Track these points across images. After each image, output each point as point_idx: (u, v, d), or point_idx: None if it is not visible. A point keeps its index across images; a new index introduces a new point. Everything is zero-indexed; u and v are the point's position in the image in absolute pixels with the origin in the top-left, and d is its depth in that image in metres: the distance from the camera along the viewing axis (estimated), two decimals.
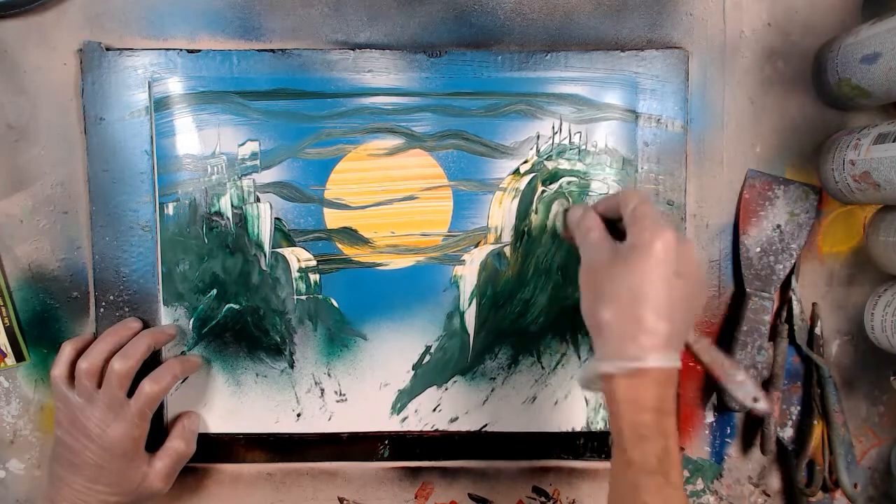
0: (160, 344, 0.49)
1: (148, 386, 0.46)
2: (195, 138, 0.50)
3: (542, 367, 0.52)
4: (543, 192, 0.51)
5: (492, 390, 0.52)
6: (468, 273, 0.51)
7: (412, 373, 0.52)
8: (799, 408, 0.54)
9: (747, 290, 0.52)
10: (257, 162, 0.50)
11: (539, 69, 0.50)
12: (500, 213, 0.51)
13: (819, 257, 0.54)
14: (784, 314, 0.53)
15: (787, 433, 0.53)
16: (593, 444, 0.53)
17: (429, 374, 0.52)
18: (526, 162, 0.51)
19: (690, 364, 0.53)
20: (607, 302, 0.39)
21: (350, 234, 0.51)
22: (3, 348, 0.51)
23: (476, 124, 0.50)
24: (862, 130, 0.48)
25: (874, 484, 0.55)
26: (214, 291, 0.51)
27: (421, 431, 0.53)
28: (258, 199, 0.50)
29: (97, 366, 0.46)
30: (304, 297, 0.51)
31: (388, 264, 0.51)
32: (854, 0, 0.52)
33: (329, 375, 0.52)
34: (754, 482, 0.55)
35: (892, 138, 0.44)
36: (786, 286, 0.53)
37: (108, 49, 0.49)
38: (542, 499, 0.54)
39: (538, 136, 0.51)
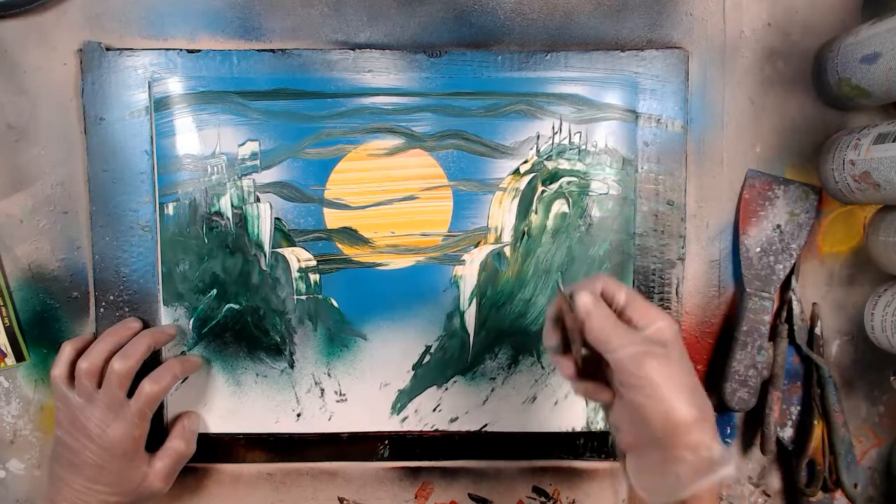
0: (160, 344, 0.49)
1: (148, 386, 0.46)
2: (195, 138, 0.50)
3: (542, 367, 0.52)
4: (543, 192, 0.51)
5: (492, 390, 0.52)
6: (468, 273, 0.51)
7: (412, 373, 0.52)
8: (799, 408, 0.54)
9: (747, 290, 0.52)
10: (257, 162, 0.50)
11: (539, 69, 0.50)
12: (500, 213, 0.51)
13: (819, 257, 0.54)
14: (784, 314, 0.53)
15: (787, 433, 0.53)
16: (593, 444, 0.53)
17: (429, 374, 0.52)
18: (526, 162, 0.51)
19: None
20: (683, 396, 0.35)
21: (350, 234, 0.51)
22: (3, 348, 0.51)
23: (476, 124, 0.50)
24: (862, 130, 0.48)
25: (874, 484, 0.55)
26: (214, 291, 0.51)
27: (421, 431, 0.53)
28: (258, 199, 0.50)
29: (97, 366, 0.46)
30: (304, 297, 0.51)
31: (388, 264, 0.51)
32: (854, 0, 0.52)
33: (329, 375, 0.52)
34: (754, 482, 0.55)
35: (892, 138, 0.44)
36: (786, 286, 0.53)
37: (108, 49, 0.49)
38: (542, 499, 0.54)
39: (538, 136, 0.51)
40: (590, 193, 0.51)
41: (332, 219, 0.51)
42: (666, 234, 0.52)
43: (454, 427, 0.53)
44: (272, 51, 0.50)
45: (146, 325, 0.50)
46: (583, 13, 0.51)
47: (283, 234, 0.51)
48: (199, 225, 0.50)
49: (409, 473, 0.54)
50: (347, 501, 0.54)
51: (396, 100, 0.50)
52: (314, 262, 0.51)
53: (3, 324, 0.50)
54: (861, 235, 0.53)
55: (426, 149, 0.51)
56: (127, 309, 0.51)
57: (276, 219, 0.51)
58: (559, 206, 0.51)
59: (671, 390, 0.35)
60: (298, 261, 0.51)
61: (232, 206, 0.50)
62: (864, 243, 0.52)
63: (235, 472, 0.53)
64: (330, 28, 0.51)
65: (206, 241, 0.50)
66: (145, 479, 0.47)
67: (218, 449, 0.52)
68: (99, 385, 0.46)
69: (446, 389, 0.52)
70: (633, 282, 0.52)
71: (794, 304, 0.53)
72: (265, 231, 0.51)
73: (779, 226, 0.52)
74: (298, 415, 0.52)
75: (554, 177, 0.51)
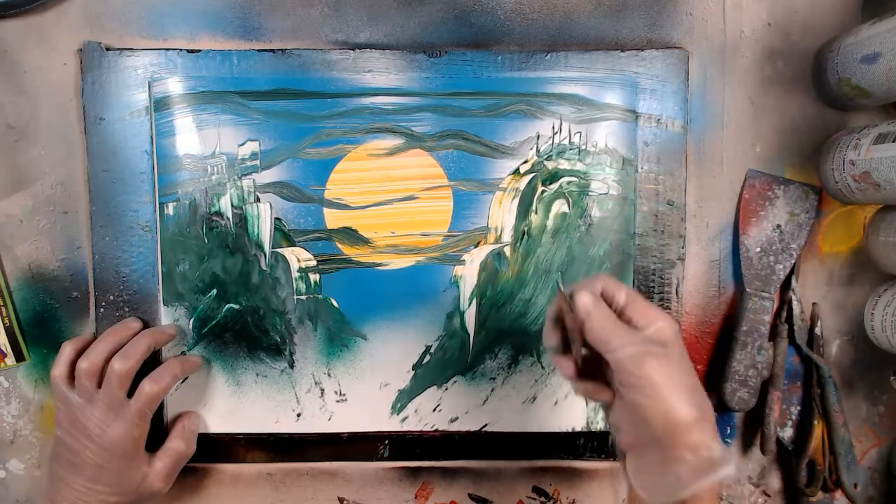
0: (160, 344, 0.49)
1: (148, 386, 0.46)
2: (195, 138, 0.50)
3: (542, 367, 0.52)
4: (543, 192, 0.51)
5: (492, 390, 0.52)
6: (468, 273, 0.51)
7: (412, 373, 0.52)
8: (799, 408, 0.54)
9: (747, 290, 0.52)
10: (257, 162, 0.50)
11: (539, 69, 0.50)
12: (500, 213, 0.51)
13: (819, 257, 0.54)
14: (784, 314, 0.53)
15: (787, 433, 0.53)
16: (593, 444, 0.53)
17: (429, 374, 0.52)
18: (526, 162, 0.51)
19: None
20: (683, 396, 0.35)
21: (350, 234, 0.51)
22: (3, 348, 0.51)
23: (476, 124, 0.50)
24: (862, 130, 0.48)
25: (874, 484, 0.55)
26: (214, 291, 0.51)
27: (421, 431, 0.53)
28: (258, 199, 0.50)
29: (97, 366, 0.46)
30: (304, 297, 0.51)
31: (388, 264, 0.51)
32: (854, 0, 0.52)
33: (329, 375, 0.52)
34: (754, 482, 0.55)
35: (892, 138, 0.44)
36: (786, 286, 0.53)
37: (108, 49, 0.49)
38: (542, 499, 0.54)
39: (538, 136, 0.51)
40: (590, 193, 0.51)
41: (332, 219, 0.51)
42: (666, 234, 0.52)
43: (454, 427, 0.53)
44: (272, 51, 0.50)
45: (146, 325, 0.50)
46: (583, 13, 0.51)
47: (283, 234, 0.51)
48: (199, 225, 0.50)
49: (409, 473, 0.54)
50: (347, 501, 0.54)
51: (396, 100, 0.50)
52: (314, 262, 0.51)
53: (3, 324, 0.50)
54: (861, 235, 0.53)
55: (426, 149, 0.51)
56: (127, 309, 0.51)
57: (276, 219, 0.51)
58: (559, 206, 0.51)
59: (671, 390, 0.35)
60: (298, 261, 0.51)
61: (232, 206, 0.50)
62: (864, 243, 0.52)
63: (235, 472, 0.53)
64: (330, 28, 0.51)
65: (206, 241, 0.50)
66: (145, 479, 0.47)
67: (218, 449, 0.52)
68: (99, 385, 0.46)
69: (446, 389, 0.52)
70: (633, 282, 0.52)
71: (794, 304, 0.53)
72: (265, 231, 0.51)
73: (779, 226, 0.52)
74: (298, 415, 0.52)
75: (554, 177, 0.51)
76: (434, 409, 0.52)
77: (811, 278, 0.54)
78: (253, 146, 0.50)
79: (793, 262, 0.52)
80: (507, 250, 0.52)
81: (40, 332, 0.51)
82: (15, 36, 0.49)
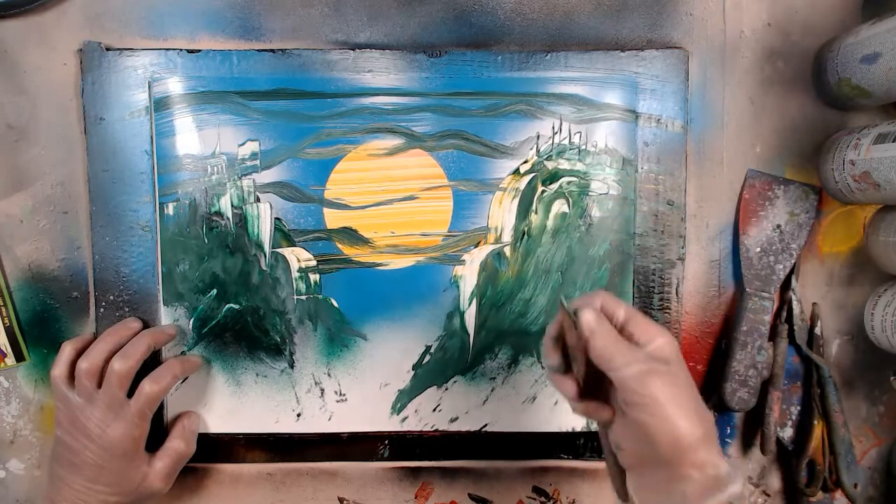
0: (160, 344, 0.49)
1: (148, 386, 0.46)
2: (195, 138, 0.50)
3: (542, 367, 0.52)
4: (543, 192, 0.51)
5: (492, 390, 0.52)
6: (468, 273, 0.51)
7: (412, 373, 0.52)
8: (799, 408, 0.54)
9: (747, 290, 0.52)
10: (257, 162, 0.50)
11: (539, 69, 0.50)
12: (500, 213, 0.51)
13: (819, 257, 0.54)
14: (784, 314, 0.53)
15: (787, 433, 0.53)
16: (593, 444, 0.53)
17: (429, 374, 0.52)
18: (526, 162, 0.51)
19: (690, 364, 0.53)
20: (688, 414, 0.35)
21: (350, 234, 0.51)
22: (3, 348, 0.51)
23: (476, 124, 0.50)
24: (862, 130, 0.48)
25: (874, 484, 0.55)
26: (214, 291, 0.51)
27: (421, 431, 0.53)
28: (258, 199, 0.50)
29: (97, 366, 0.46)
30: (304, 297, 0.51)
31: (388, 264, 0.51)
32: (854, 0, 0.52)
33: (329, 375, 0.52)
34: (754, 482, 0.55)
35: (892, 138, 0.44)
36: (786, 286, 0.53)
37: (108, 49, 0.49)
38: (542, 499, 0.54)
39: (538, 136, 0.51)
40: (590, 193, 0.51)
41: (332, 219, 0.51)
42: (666, 234, 0.52)
43: (454, 427, 0.53)
44: (272, 51, 0.50)
45: (146, 325, 0.50)
46: (583, 13, 0.51)
47: (283, 234, 0.51)
48: (199, 225, 0.50)
49: (409, 473, 0.54)
50: (347, 501, 0.54)
51: (396, 100, 0.50)
52: (314, 262, 0.51)
53: (3, 324, 0.50)
54: (861, 235, 0.53)
55: (426, 149, 0.51)
56: (127, 309, 0.51)
57: (276, 219, 0.51)
58: (559, 206, 0.51)
59: (676, 408, 0.35)
60: (298, 261, 0.51)
61: (232, 206, 0.50)
62: (864, 243, 0.52)
63: (235, 472, 0.53)
64: (330, 28, 0.51)
65: (206, 241, 0.50)
66: (145, 479, 0.47)
67: (218, 449, 0.52)
68: (99, 385, 0.46)
69: (446, 389, 0.52)
70: (633, 282, 0.52)
71: (794, 304, 0.53)
72: (265, 231, 0.51)
73: (779, 226, 0.52)
74: (298, 415, 0.52)
75: (554, 177, 0.51)
76: (434, 409, 0.52)
77: (811, 278, 0.54)
78: (253, 146, 0.50)
79: (793, 262, 0.52)
80: (507, 250, 0.52)
81: (40, 332, 0.51)
82: (15, 36, 0.49)
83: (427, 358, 0.52)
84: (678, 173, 0.51)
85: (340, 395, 0.52)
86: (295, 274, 0.51)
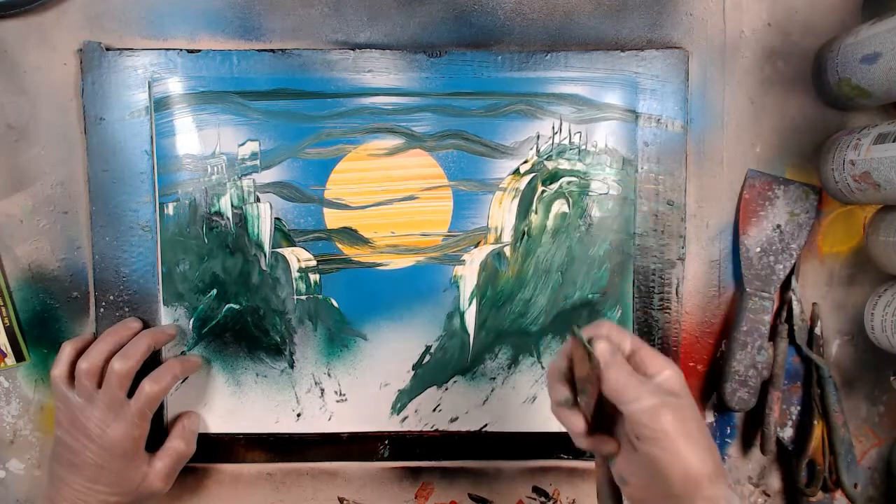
0: (160, 344, 0.49)
1: (148, 386, 0.46)
2: (195, 138, 0.50)
3: (542, 367, 0.52)
4: (543, 192, 0.51)
5: (492, 390, 0.52)
6: (468, 273, 0.51)
7: (412, 373, 0.52)
8: (799, 408, 0.54)
9: (747, 290, 0.52)
10: (257, 162, 0.50)
11: (539, 69, 0.50)
12: (500, 213, 0.51)
13: (819, 257, 0.54)
14: (784, 314, 0.53)
15: (787, 433, 0.53)
16: None
17: (429, 374, 0.52)
18: (526, 162, 0.51)
19: (691, 364, 0.53)
20: (699, 449, 0.35)
21: (350, 234, 0.51)
22: (3, 348, 0.51)
23: (476, 124, 0.50)
24: (862, 130, 0.48)
25: (874, 484, 0.55)
26: (214, 291, 0.51)
27: (421, 431, 0.53)
28: (258, 199, 0.50)
29: (97, 366, 0.46)
30: (304, 297, 0.51)
31: (388, 264, 0.51)
32: (854, 0, 0.52)
33: (329, 375, 0.52)
34: (754, 482, 0.55)
35: (892, 138, 0.44)
36: (786, 286, 0.53)
37: (108, 49, 0.49)
38: (542, 499, 0.54)
39: (538, 136, 0.51)
40: (590, 193, 0.51)
41: (332, 219, 0.51)
42: (666, 234, 0.52)
43: (454, 427, 0.53)
44: (272, 51, 0.50)
45: (146, 325, 0.50)
46: (583, 13, 0.51)
47: (283, 234, 0.51)
48: (199, 225, 0.50)
49: (409, 473, 0.54)
50: (347, 501, 0.54)
51: (396, 100, 0.50)
52: (314, 262, 0.51)
53: (3, 324, 0.50)
54: (861, 235, 0.53)
55: (426, 149, 0.51)
56: (127, 309, 0.51)
57: (276, 219, 0.51)
58: (559, 206, 0.51)
59: (687, 443, 0.35)
60: (298, 261, 0.51)
61: (232, 206, 0.50)
62: (864, 243, 0.52)
63: (235, 472, 0.53)
64: (330, 28, 0.51)
65: (206, 241, 0.50)
66: (145, 479, 0.47)
67: (218, 449, 0.52)
68: (99, 385, 0.46)
69: (446, 389, 0.52)
70: (633, 282, 0.52)
71: (794, 304, 0.53)
72: (265, 231, 0.51)
73: (779, 226, 0.52)
74: (298, 415, 0.52)
75: (554, 177, 0.51)
76: (434, 409, 0.52)
77: (811, 278, 0.54)
78: (253, 146, 0.50)
79: (793, 262, 0.52)
80: (507, 250, 0.52)
81: (40, 332, 0.51)
82: (15, 36, 0.49)
83: (427, 358, 0.52)
84: (678, 173, 0.51)
85: (340, 395, 0.52)
86: (295, 274, 0.51)
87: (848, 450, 0.52)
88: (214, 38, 0.51)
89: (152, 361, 0.48)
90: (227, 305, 0.51)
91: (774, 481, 0.55)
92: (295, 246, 0.51)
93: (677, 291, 0.52)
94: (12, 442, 0.52)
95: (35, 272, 0.51)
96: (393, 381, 0.52)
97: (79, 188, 0.51)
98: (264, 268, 0.51)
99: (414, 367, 0.52)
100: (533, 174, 0.51)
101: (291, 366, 0.52)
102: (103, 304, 0.51)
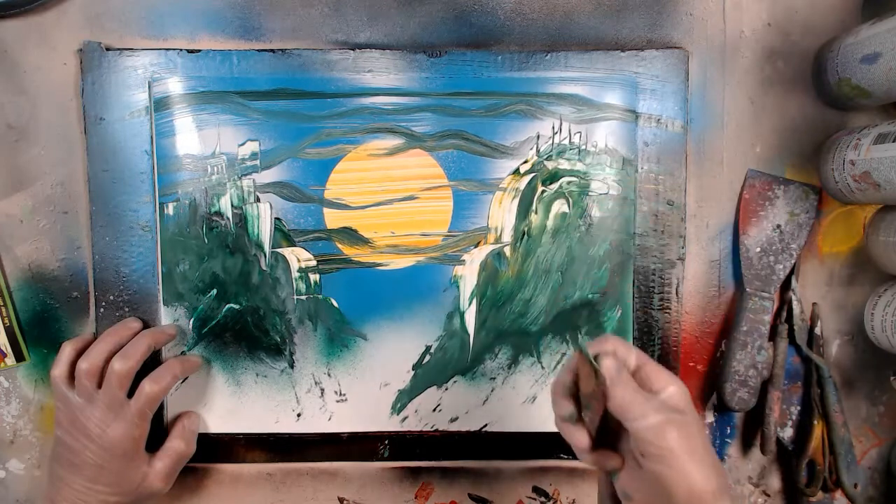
0: (160, 344, 0.49)
1: (148, 386, 0.46)
2: (195, 138, 0.50)
3: (542, 367, 0.52)
4: (543, 192, 0.51)
5: (492, 390, 0.52)
6: (468, 273, 0.51)
7: (412, 373, 0.52)
8: (799, 408, 0.54)
9: (747, 290, 0.52)
10: (257, 162, 0.50)
11: (539, 69, 0.50)
12: (500, 213, 0.51)
13: (819, 257, 0.54)
14: (784, 314, 0.53)
15: (787, 433, 0.53)
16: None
17: (429, 374, 0.52)
18: (526, 162, 0.51)
19: (690, 364, 0.53)
20: (704, 466, 0.35)
21: (350, 234, 0.51)
22: (3, 348, 0.51)
23: (476, 124, 0.50)
24: (862, 130, 0.48)
25: (874, 484, 0.55)
26: (214, 291, 0.51)
27: (421, 431, 0.53)
28: (258, 199, 0.50)
29: (97, 366, 0.46)
30: (304, 297, 0.51)
31: (388, 264, 0.51)
32: (854, 0, 0.52)
33: (329, 375, 0.52)
34: (754, 482, 0.55)
35: (892, 138, 0.44)
36: (786, 286, 0.53)
37: (108, 49, 0.49)
38: (542, 499, 0.54)
39: (538, 136, 0.51)
40: (590, 193, 0.51)
41: (332, 219, 0.51)
42: (666, 234, 0.52)
43: (454, 427, 0.53)
44: (272, 51, 0.50)
45: (146, 325, 0.50)
46: (583, 13, 0.51)
47: (283, 234, 0.51)
48: (199, 225, 0.50)
49: (409, 473, 0.54)
50: (347, 501, 0.54)
51: (396, 100, 0.50)
52: (314, 262, 0.51)
53: (3, 324, 0.50)
54: (861, 235, 0.53)
55: (426, 149, 0.51)
56: (127, 309, 0.51)
57: (276, 219, 0.51)
58: (559, 206, 0.51)
59: (692, 461, 0.35)
60: (298, 261, 0.51)
61: (232, 206, 0.50)
62: (864, 243, 0.52)
63: (235, 472, 0.53)
64: (330, 28, 0.51)
65: (206, 241, 0.50)
66: (145, 479, 0.47)
67: (218, 449, 0.52)
68: (99, 385, 0.46)
69: (446, 389, 0.52)
70: (633, 282, 0.52)
71: (794, 304, 0.53)
72: (265, 231, 0.51)
73: (779, 226, 0.52)
74: (298, 415, 0.52)
75: (554, 177, 0.51)
76: (434, 409, 0.52)
77: (811, 278, 0.54)
78: (253, 146, 0.50)
79: (793, 262, 0.52)
80: (507, 250, 0.52)
81: (40, 332, 0.51)
82: (15, 36, 0.49)
83: (427, 358, 0.52)
84: (678, 173, 0.51)
85: (340, 395, 0.52)
86: (295, 274, 0.51)
87: (848, 450, 0.52)
88: (214, 38, 0.51)
89: (152, 361, 0.48)
90: (227, 305, 0.51)
91: (774, 481, 0.55)
92: (295, 246, 0.51)
93: (677, 291, 0.52)
94: (12, 442, 0.52)
95: (35, 272, 0.51)
96: (393, 381, 0.52)
97: (79, 188, 0.51)
98: (264, 268, 0.51)
99: (414, 367, 0.52)
100: (533, 174, 0.51)
101: (291, 366, 0.52)
102: (103, 304, 0.51)
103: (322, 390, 0.52)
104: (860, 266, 0.53)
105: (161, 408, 0.50)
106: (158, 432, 0.50)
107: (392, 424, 0.52)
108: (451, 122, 0.50)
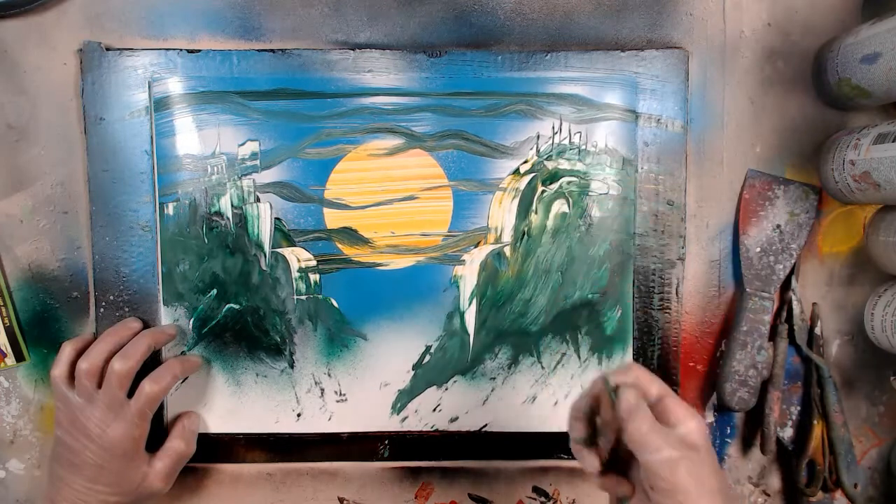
0: (160, 344, 0.49)
1: (148, 386, 0.46)
2: (195, 138, 0.50)
3: (542, 367, 0.52)
4: (543, 192, 0.51)
5: (492, 390, 0.52)
6: (468, 273, 0.51)
7: (412, 373, 0.52)
8: (799, 408, 0.54)
9: (747, 290, 0.52)
10: (257, 162, 0.50)
11: (539, 69, 0.50)
12: (500, 213, 0.51)
13: (819, 257, 0.54)
14: (784, 314, 0.53)
15: (787, 433, 0.53)
16: None
17: (429, 374, 0.52)
18: (526, 162, 0.51)
19: (690, 364, 0.53)
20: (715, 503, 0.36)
21: (350, 234, 0.51)
22: (3, 348, 0.51)
23: (476, 124, 0.50)
24: (862, 130, 0.48)
25: (874, 484, 0.55)
26: (214, 291, 0.51)
27: (421, 431, 0.53)
28: (258, 199, 0.50)
29: (97, 366, 0.46)
30: (304, 297, 0.51)
31: (388, 264, 0.51)
32: (854, 0, 0.52)
33: (329, 375, 0.52)
34: (754, 482, 0.55)
35: (892, 138, 0.44)
36: (786, 286, 0.53)
37: (108, 49, 0.49)
38: (542, 499, 0.54)
39: (538, 136, 0.51)
40: (590, 193, 0.51)
41: (332, 219, 0.51)
42: (666, 234, 0.52)
43: (454, 427, 0.53)
44: (272, 51, 0.50)
45: (146, 325, 0.50)
46: (583, 13, 0.51)
47: (283, 234, 0.51)
48: (199, 225, 0.50)
49: (409, 473, 0.54)
50: (347, 501, 0.54)
51: (396, 100, 0.50)
52: (314, 262, 0.51)
53: (3, 324, 0.50)
54: (861, 235, 0.53)
55: (426, 149, 0.51)
56: (127, 309, 0.51)
57: (276, 219, 0.51)
58: (559, 206, 0.51)
59: (702, 497, 0.35)
60: (298, 261, 0.51)
61: (232, 206, 0.50)
62: (864, 243, 0.52)
63: (235, 472, 0.53)
64: (330, 28, 0.51)
65: (206, 241, 0.50)
66: (145, 479, 0.47)
67: (218, 449, 0.52)
68: (99, 385, 0.46)
69: (446, 389, 0.52)
70: (633, 282, 0.52)
71: (794, 304, 0.53)
72: (265, 231, 0.51)
73: (779, 226, 0.52)
74: (298, 415, 0.52)
75: (554, 177, 0.51)
76: (434, 409, 0.52)
77: (811, 278, 0.54)
78: (253, 146, 0.50)
79: (793, 262, 0.52)
80: (507, 250, 0.52)
81: (40, 332, 0.51)
82: (15, 36, 0.49)
83: (427, 358, 0.52)
84: (678, 173, 0.51)
85: (340, 395, 0.52)
86: (295, 274, 0.51)
87: (848, 450, 0.52)
88: (214, 38, 0.51)
89: (152, 361, 0.48)
90: (227, 305, 0.51)
91: (774, 481, 0.55)
92: (295, 246, 0.51)
93: (677, 291, 0.52)
94: (12, 442, 0.52)
95: (35, 272, 0.51)
96: (393, 381, 0.52)
97: (79, 188, 0.51)
98: (264, 268, 0.51)
99: (414, 367, 0.52)
100: (533, 174, 0.51)
101: (291, 366, 0.52)
102: (103, 304, 0.51)
103: (322, 390, 0.52)
104: (860, 266, 0.53)
105: (161, 408, 0.50)
106: (158, 432, 0.50)
107: (392, 424, 0.52)
108: (451, 122, 0.50)
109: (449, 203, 0.51)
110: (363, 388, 0.52)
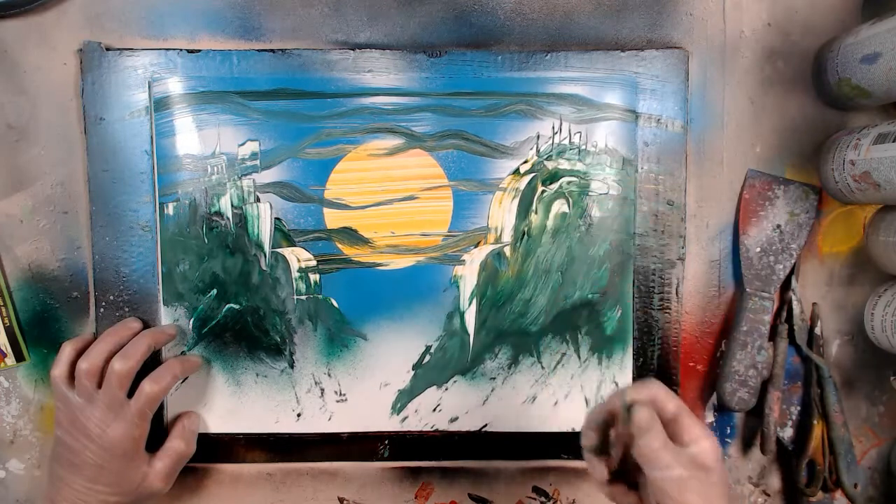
0: (160, 344, 0.49)
1: (148, 386, 0.46)
2: (195, 138, 0.50)
3: (542, 367, 0.52)
4: (543, 192, 0.51)
5: (492, 390, 0.52)
6: (468, 273, 0.51)
7: (412, 373, 0.52)
8: (799, 408, 0.54)
9: (747, 290, 0.52)
10: (257, 162, 0.50)
11: (539, 69, 0.50)
12: (500, 213, 0.51)
13: (819, 257, 0.54)
14: (784, 314, 0.53)
15: (787, 433, 0.53)
16: None
17: (429, 374, 0.52)
18: (526, 162, 0.51)
19: (690, 364, 0.53)
20: None
21: (350, 234, 0.51)
22: (3, 348, 0.51)
23: (476, 124, 0.50)
24: (862, 130, 0.48)
25: (874, 484, 0.55)
26: (214, 291, 0.51)
27: (421, 431, 0.53)
28: (258, 199, 0.50)
29: (97, 366, 0.46)
30: (304, 297, 0.51)
31: (388, 264, 0.51)
32: (854, 0, 0.52)
33: (329, 375, 0.52)
34: (754, 482, 0.55)
35: (892, 138, 0.44)
36: (786, 286, 0.53)
37: (108, 49, 0.49)
38: (542, 499, 0.54)
39: (538, 136, 0.51)
40: (590, 193, 0.51)
41: (332, 219, 0.51)
42: (666, 234, 0.52)
43: (454, 427, 0.53)
44: (272, 51, 0.50)
45: (146, 325, 0.50)
46: (583, 13, 0.51)
47: (283, 234, 0.51)
48: (199, 225, 0.50)
49: (409, 473, 0.54)
50: (347, 501, 0.54)
51: (396, 100, 0.50)
52: (314, 262, 0.51)
53: (3, 324, 0.50)
54: (861, 235, 0.53)
55: (426, 149, 0.51)
56: (127, 309, 0.51)
57: (276, 219, 0.51)
58: (559, 206, 0.51)
59: None
60: (298, 261, 0.51)
61: (232, 206, 0.50)
62: (864, 243, 0.52)
63: (235, 472, 0.53)
64: (330, 28, 0.51)
65: (206, 241, 0.50)
66: (145, 479, 0.47)
67: (218, 449, 0.52)
68: (99, 385, 0.46)
69: (446, 389, 0.52)
70: (633, 282, 0.52)
71: (794, 304, 0.53)
72: (265, 231, 0.51)
73: (779, 226, 0.52)
74: (298, 415, 0.52)
75: (554, 177, 0.51)
76: (434, 409, 0.52)
77: (811, 278, 0.54)
78: (253, 146, 0.50)
79: (793, 262, 0.52)
80: (507, 250, 0.52)
81: (40, 332, 0.51)
82: (15, 36, 0.49)
83: (427, 358, 0.52)
84: (678, 173, 0.51)
85: (340, 395, 0.52)
86: (295, 274, 0.51)
87: (848, 450, 0.52)
88: (214, 38, 0.51)
89: (152, 361, 0.48)
90: (227, 305, 0.51)
91: (774, 481, 0.55)
92: (295, 246, 0.51)
93: (677, 291, 0.52)
94: (12, 442, 0.52)
95: (35, 272, 0.51)
96: (393, 381, 0.52)
97: (79, 188, 0.51)
98: (264, 268, 0.51)
99: (414, 367, 0.52)
100: (533, 174, 0.51)
101: (291, 366, 0.52)
102: (103, 304, 0.51)
103: (322, 390, 0.52)
104: (860, 266, 0.53)
105: (161, 408, 0.50)
106: (158, 432, 0.50)
107: (392, 424, 0.52)
108: (451, 122, 0.50)
109: (449, 203, 0.51)
110: (363, 388, 0.52)
